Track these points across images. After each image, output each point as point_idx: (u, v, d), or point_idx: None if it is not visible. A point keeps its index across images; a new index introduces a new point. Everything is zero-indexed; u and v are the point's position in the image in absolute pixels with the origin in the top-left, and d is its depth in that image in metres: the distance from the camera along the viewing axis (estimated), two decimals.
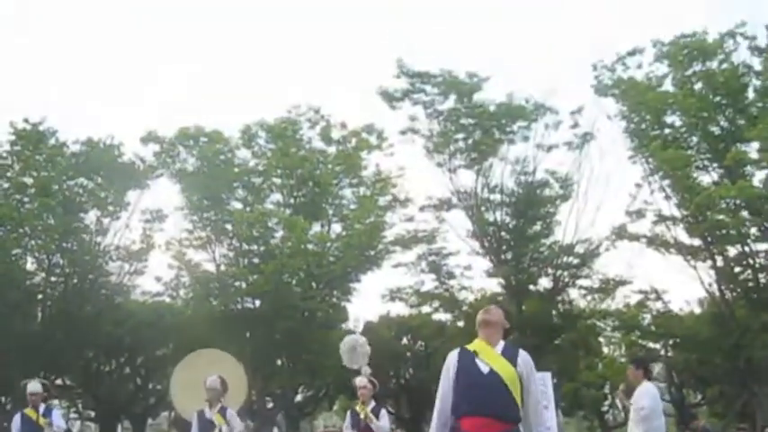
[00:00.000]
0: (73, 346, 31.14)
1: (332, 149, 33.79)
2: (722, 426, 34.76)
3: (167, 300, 34.85)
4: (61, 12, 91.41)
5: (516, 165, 32.54)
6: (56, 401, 29.52)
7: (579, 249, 32.52)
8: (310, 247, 30.81)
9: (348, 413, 16.01)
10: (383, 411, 15.63)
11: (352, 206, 33.18)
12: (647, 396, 11.20)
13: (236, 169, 32.78)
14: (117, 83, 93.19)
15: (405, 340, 38.28)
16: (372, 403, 15.45)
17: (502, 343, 6.52)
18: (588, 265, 32.80)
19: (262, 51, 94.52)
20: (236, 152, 33.35)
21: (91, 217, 32.28)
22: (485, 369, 6.35)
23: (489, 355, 6.38)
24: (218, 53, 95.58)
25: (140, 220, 32.87)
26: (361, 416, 14.89)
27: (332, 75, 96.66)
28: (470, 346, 6.53)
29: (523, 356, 6.46)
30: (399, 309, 37.68)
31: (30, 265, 32.11)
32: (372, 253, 32.30)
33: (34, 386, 14.48)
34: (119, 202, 32.23)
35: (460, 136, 32.42)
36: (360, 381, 15.37)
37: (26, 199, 31.23)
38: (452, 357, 6.54)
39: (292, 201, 33.15)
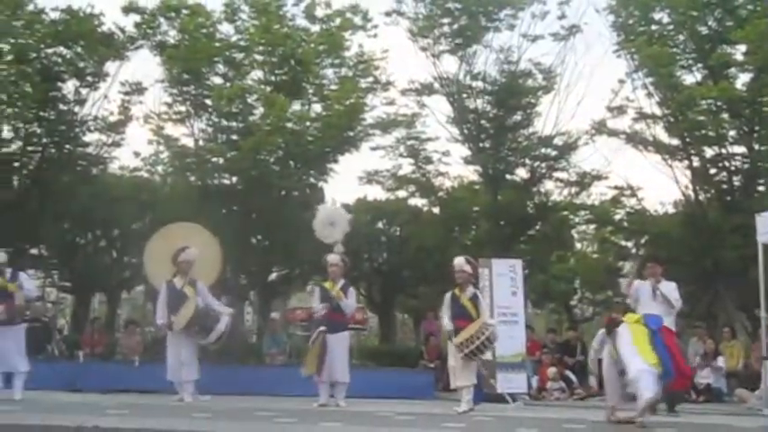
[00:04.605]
0: (48, 217, 31.11)
1: (315, 28, 33.14)
2: (683, 325, 35.38)
3: (145, 175, 34.77)
4: None
5: (500, 53, 32.17)
6: (31, 271, 29.52)
7: (558, 141, 32.53)
8: (289, 125, 30.57)
9: (317, 289, 16.10)
10: (351, 289, 15.80)
11: (333, 86, 32.75)
12: (678, 292, 11.92)
13: (218, 44, 32.20)
14: None
15: (380, 224, 38.38)
16: (342, 281, 15.58)
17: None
18: (566, 158, 32.84)
19: None
20: (218, 26, 32.69)
21: (69, 87, 31.67)
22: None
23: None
24: None
25: (119, 91, 32.31)
26: (333, 293, 15.05)
27: None
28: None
29: None
30: (376, 192, 37.83)
31: (6, 132, 31.76)
32: (351, 134, 32.08)
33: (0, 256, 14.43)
34: (98, 73, 31.64)
35: (446, 20, 31.97)
36: (332, 258, 15.45)
37: (2, 66, 30.58)
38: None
39: (273, 78, 32.64)
